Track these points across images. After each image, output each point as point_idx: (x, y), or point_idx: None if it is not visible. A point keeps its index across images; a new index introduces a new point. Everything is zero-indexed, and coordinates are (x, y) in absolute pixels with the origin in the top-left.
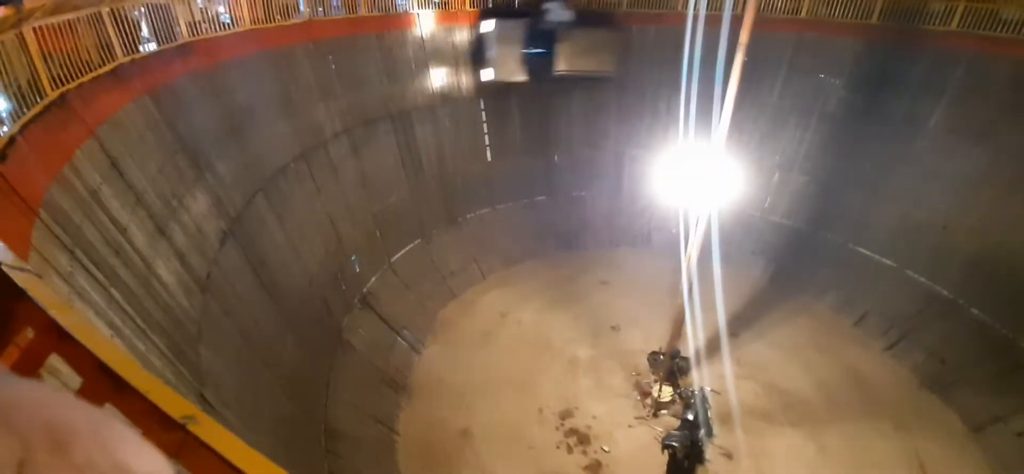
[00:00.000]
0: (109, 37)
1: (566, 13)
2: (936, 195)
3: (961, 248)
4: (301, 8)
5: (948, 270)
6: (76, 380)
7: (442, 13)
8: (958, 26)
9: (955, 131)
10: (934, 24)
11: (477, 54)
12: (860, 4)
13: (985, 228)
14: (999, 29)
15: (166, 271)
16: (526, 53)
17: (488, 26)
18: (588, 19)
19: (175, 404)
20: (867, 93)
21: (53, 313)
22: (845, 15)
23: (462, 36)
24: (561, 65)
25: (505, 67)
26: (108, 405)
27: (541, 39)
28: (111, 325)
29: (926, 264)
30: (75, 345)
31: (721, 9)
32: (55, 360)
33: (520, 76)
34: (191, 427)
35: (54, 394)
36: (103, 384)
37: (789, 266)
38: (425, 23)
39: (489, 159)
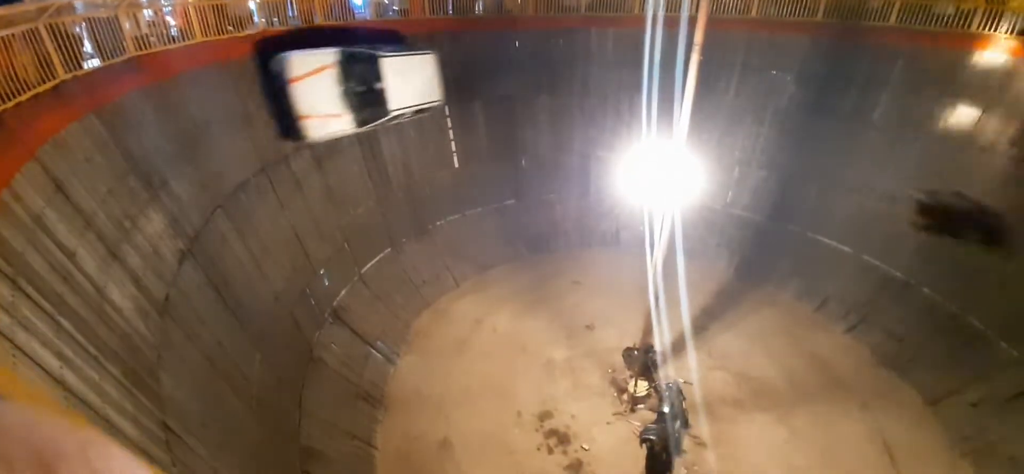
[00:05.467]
0: (48, 53)
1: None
2: (885, 183)
3: (910, 232)
4: (255, 19)
5: (900, 253)
6: None
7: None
8: (896, 22)
9: (898, 122)
10: (874, 20)
11: (277, 102)
12: (806, 3)
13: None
14: (933, 24)
15: (120, 296)
16: (347, 93)
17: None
18: (403, 42)
19: None
20: (816, 88)
21: None
22: (792, 13)
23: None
24: (394, 103)
25: (324, 116)
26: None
27: (361, 72)
28: (60, 356)
29: (880, 249)
30: None
31: (675, 11)
32: None
33: (347, 125)
34: None
35: (41, 417)
36: None
37: (752, 257)
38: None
39: (456, 166)
